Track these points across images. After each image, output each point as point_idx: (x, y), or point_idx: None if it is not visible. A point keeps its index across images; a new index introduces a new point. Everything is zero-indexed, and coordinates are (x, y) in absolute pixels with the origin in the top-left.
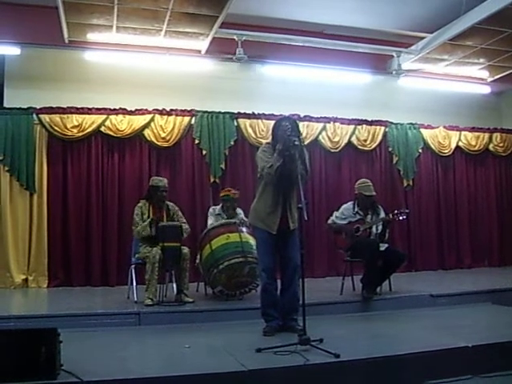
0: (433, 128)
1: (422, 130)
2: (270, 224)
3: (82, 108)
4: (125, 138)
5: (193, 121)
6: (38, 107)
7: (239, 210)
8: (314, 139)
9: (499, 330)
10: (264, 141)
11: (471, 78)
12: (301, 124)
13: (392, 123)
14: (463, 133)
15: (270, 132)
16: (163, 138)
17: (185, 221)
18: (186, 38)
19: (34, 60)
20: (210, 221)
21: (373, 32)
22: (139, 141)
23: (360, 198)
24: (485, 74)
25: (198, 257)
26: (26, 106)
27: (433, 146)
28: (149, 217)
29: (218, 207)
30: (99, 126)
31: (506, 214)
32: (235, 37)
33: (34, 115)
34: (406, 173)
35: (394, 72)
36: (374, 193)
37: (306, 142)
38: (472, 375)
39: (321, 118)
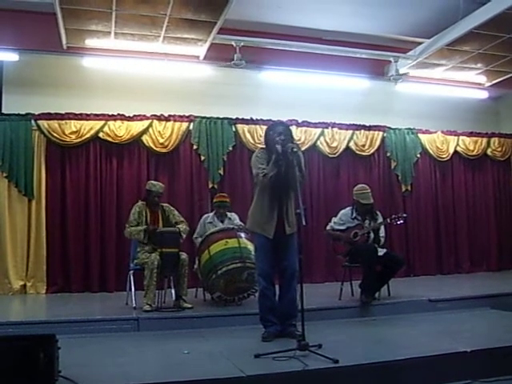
0: (431, 133)
1: (420, 135)
2: (267, 228)
3: (81, 114)
4: (123, 143)
5: (191, 126)
6: (36, 113)
7: (233, 216)
8: (312, 145)
9: (498, 335)
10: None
11: (469, 83)
12: (299, 129)
13: (390, 128)
14: (461, 138)
15: (263, 138)
16: (161, 144)
17: (182, 219)
18: (184, 44)
19: (32, 66)
20: (197, 230)
21: (370, 37)
22: (137, 146)
23: (358, 205)
24: (482, 78)
25: (197, 262)
26: (24, 112)
27: (431, 151)
28: (146, 219)
29: (211, 214)
30: (97, 132)
31: (505, 219)
32: (233, 43)
33: (33, 121)
34: (404, 178)
35: (391, 77)
36: (371, 201)
37: (304, 148)
38: (471, 380)
39: (319, 123)
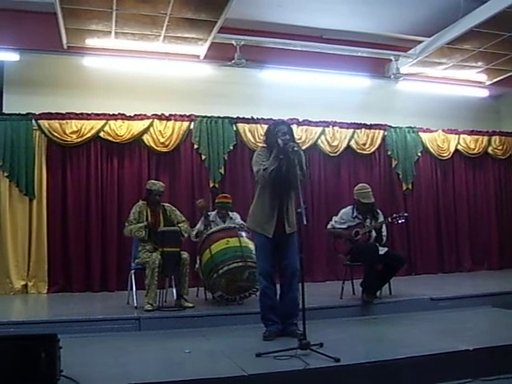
0: (432, 131)
1: (421, 134)
2: (267, 228)
3: (81, 113)
4: (124, 143)
5: (192, 126)
6: (37, 113)
7: (235, 215)
8: (313, 143)
9: (500, 333)
10: None
11: (469, 82)
12: (300, 128)
13: (391, 127)
14: (462, 136)
15: (264, 136)
16: (162, 143)
17: (184, 219)
18: (184, 44)
19: (32, 66)
20: (198, 225)
21: (371, 36)
22: (138, 146)
23: (359, 204)
24: (483, 77)
25: (198, 262)
26: (25, 112)
27: (432, 150)
28: (147, 218)
29: (213, 213)
30: (98, 132)
31: (506, 217)
32: (234, 42)
33: (33, 121)
34: (405, 176)
35: (392, 76)
36: (372, 200)
37: (305, 147)
38: (473, 379)
39: (320, 122)
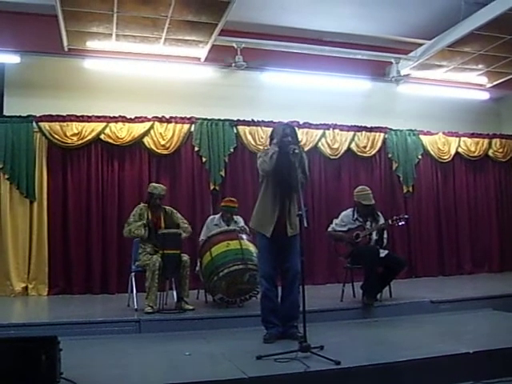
0: (432, 134)
1: (422, 137)
2: (266, 227)
3: (82, 116)
4: (124, 145)
5: (192, 128)
6: (37, 115)
7: (239, 219)
8: (314, 146)
9: (500, 336)
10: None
11: (470, 84)
12: (300, 131)
13: (391, 129)
14: (463, 139)
15: (268, 138)
16: (163, 146)
17: (185, 221)
18: (185, 46)
19: (33, 68)
20: (203, 232)
21: (372, 39)
22: (139, 148)
23: (359, 206)
24: (483, 80)
25: (198, 264)
26: (25, 114)
27: (432, 152)
28: (148, 221)
29: (217, 216)
30: (99, 134)
31: (506, 220)
32: (234, 44)
33: (34, 123)
34: (406, 179)
35: (393, 78)
36: (372, 202)
37: (305, 149)
38: (474, 381)
39: (320, 124)
